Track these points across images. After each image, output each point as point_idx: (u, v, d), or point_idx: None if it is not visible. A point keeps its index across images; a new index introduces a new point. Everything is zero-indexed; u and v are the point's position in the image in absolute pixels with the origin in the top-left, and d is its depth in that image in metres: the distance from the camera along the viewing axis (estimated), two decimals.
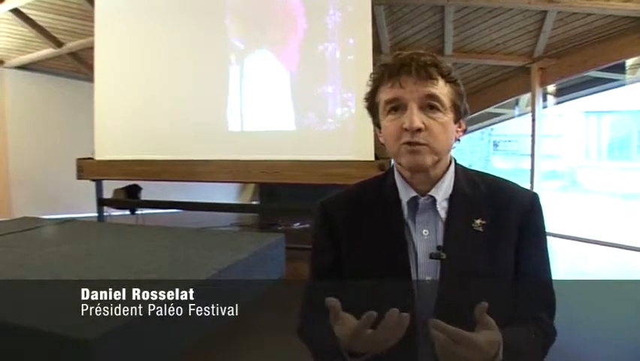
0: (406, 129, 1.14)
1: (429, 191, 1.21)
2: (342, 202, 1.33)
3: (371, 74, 1.26)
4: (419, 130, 1.13)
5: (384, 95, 1.19)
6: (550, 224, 1.28)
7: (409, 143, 1.14)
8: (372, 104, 1.26)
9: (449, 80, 1.18)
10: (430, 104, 1.15)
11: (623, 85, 7.78)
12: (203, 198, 7.35)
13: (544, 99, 7.76)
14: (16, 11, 7.50)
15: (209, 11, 6.29)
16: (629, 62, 7.14)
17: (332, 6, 5.81)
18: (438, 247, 1.17)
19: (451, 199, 1.22)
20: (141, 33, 6.61)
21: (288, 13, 6.01)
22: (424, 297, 1.15)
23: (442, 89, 1.16)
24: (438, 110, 1.15)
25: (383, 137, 1.23)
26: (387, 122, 1.19)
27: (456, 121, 1.21)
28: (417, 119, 1.13)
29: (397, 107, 1.16)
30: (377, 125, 1.26)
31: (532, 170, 7.20)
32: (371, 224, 1.25)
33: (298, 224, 8.11)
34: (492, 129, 17.57)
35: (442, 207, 1.21)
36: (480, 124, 10.04)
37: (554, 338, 1.23)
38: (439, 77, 1.16)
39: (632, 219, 10.13)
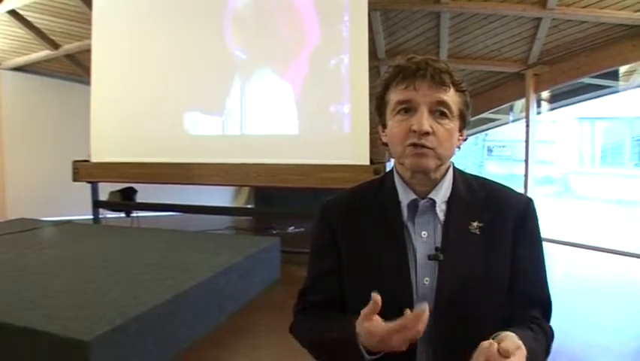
0: (414, 131, 1.15)
1: (428, 193, 1.23)
2: (341, 205, 1.34)
3: (384, 72, 1.27)
4: (427, 133, 1.14)
5: (396, 95, 1.20)
6: (543, 229, 1.30)
7: (414, 145, 1.16)
8: (380, 103, 1.27)
9: (459, 89, 1.20)
10: (439, 110, 1.17)
11: (617, 92, 7.86)
12: (199, 202, 7.36)
13: (539, 105, 7.81)
14: (13, 13, 7.50)
15: (208, 15, 6.31)
16: (622, 69, 7.21)
17: (328, 13, 5.84)
18: (436, 249, 1.19)
19: (450, 202, 1.24)
20: (138, 36, 6.63)
21: (284, 18, 6.04)
22: (422, 297, 1.16)
23: (452, 97, 1.18)
24: (446, 117, 1.17)
25: (388, 136, 1.24)
26: (396, 122, 1.20)
27: (460, 129, 1.23)
28: (426, 122, 1.14)
29: (408, 108, 1.18)
30: (382, 124, 1.27)
31: (526, 175, 7.25)
32: (371, 226, 1.26)
33: (293, 228, 8.13)
34: (486, 135, 17.70)
35: (440, 209, 1.23)
36: (474, 129, 10.10)
37: (553, 337, 1.24)
38: (451, 85, 1.18)
39: (625, 225, 10.20)
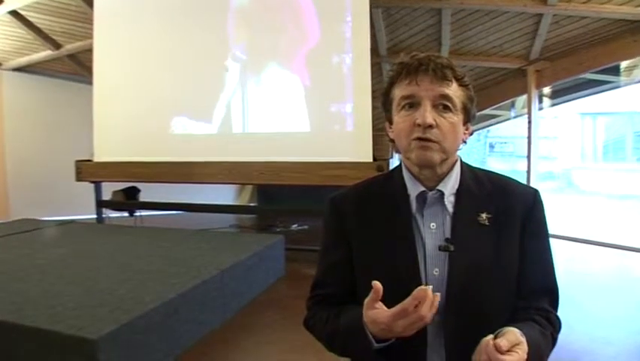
0: (418, 125, 1.17)
1: (436, 187, 1.25)
2: (351, 198, 1.36)
3: (388, 70, 1.29)
4: (430, 126, 1.16)
5: (400, 90, 1.22)
6: (548, 222, 1.31)
7: (419, 138, 1.18)
8: (386, 100, 1.29)
9: (462, 83, 1.22)
10: (442, 104, 1.19)
11: (618, 87, 7.86)
12: (202, 200, 7.38)
13: (540, 101, 7.82)
14: (14, 13, 7.52)
15: (210, 13, 6.31)
16: (623, 64, 7.20)
17: (330, 11, 5.84)
18: (446, 240, 1.21)
19: (458, 194, 1.26)
20: (140, 35, 6.64)
21: (287, 17, 6.04)
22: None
23: (455, 91, 1.20)
24: (449, 111, 1.19)
25: (394, 131, 1.26)
26: (401, 117, 1.22)
27: (464, 123, 1.25)
28: (429, 115, 1.16)
29: (412, 103, 1.20)
30: (389, 120, 1.30)
31: (528, 171, 7.27)
32: (380, 218, 1.28)
33: (297, 225, 8.14)
34: (488, 131, 17.67)
35: (449, 201, 1.25)
36: (476, 126, 10.08)
37: (560, 327, 1.25)
38: (453, 80, 1.20)
39: (627, 219, 10.20)
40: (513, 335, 1.03)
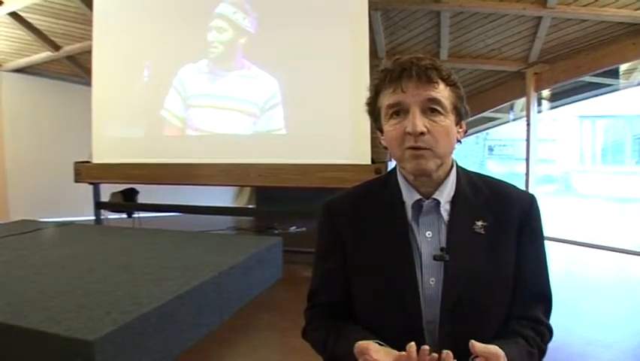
0: (409, 133, 1.13)
1: (432, 193, 1.22)
2: (346, 203, 1.33)
3: (373, 78, 1.26)
4: (422, 134, 1.13)
5: (386, 99, 1.19)
6: (545, 227, 1.30)
7: (412, 148, 1.14)
8: (373, 109, 1.26)
9: (449, 83, 1.18)
10: (431, 108, 1.15)
11: (617, 90, 7.87)
12: (200, 202, 7.37)
13: (539, 104, 7.82)
14: (14, 15, 7.51)
15: (208, 16, 6.31)
16: (622, 67, 7.21)
17: (329, 12, 5.84)
18: (441, 249, 1.18)
19: (454, 201, 1.23)
20: (139, 37, 6.64)
21: (285, 18, 6.03)
22: (429, 298, 1.17)
23: (442, 93, 1.16)
24: (440, 114, 1.15)
25: (386, 141, 1.22)
26: (390, 126, 1.18)
27: (457, 123, 1.21)
28: (419, 123, 1.13)
29: (399, 111, 1.16)
30: (379, 129, 1.26)
31: (527, 174, 7.26)
32: (375, 225, 1.25)
33: (295, 227, 8.13)
34: (487, 134, 17.72)
35: (444, 209, 1.22)
36: (475, 129, 10.11)
37: (551, 337, 1.24)
38: (440, 81, 1.16)
39: (625, 222, 10.20)
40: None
